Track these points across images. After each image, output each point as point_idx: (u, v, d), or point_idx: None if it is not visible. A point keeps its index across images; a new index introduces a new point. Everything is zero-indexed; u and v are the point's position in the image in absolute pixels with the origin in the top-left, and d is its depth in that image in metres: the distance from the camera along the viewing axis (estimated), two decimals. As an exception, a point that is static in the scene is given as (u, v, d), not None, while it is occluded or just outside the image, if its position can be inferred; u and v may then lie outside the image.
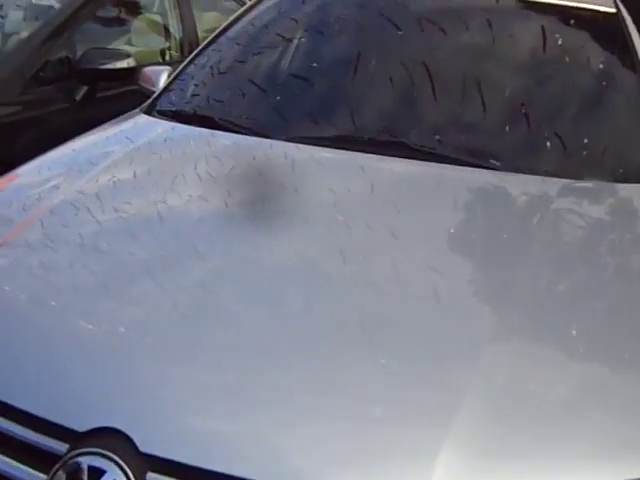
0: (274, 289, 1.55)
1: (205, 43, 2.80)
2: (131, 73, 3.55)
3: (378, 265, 1.65)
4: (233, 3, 5.04)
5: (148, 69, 2.99)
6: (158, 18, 4.29)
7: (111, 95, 3.64)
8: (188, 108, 2.48)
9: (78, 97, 3.47)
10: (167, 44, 4.30)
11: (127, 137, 2.27)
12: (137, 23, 4.17)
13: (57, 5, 3.76)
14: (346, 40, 2.56)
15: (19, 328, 1.44)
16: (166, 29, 4.32)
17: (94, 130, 2.38)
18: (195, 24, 4.43)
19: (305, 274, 1.61)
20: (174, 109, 2.49)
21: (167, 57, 4.27)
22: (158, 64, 4.08)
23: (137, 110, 2.56)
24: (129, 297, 1.53)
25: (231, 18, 2.89)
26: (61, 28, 3.53)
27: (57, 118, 3.41)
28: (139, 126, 2.37)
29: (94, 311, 1.45)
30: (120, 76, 3.52)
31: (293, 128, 2.25)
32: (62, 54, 3.51)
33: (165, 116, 2.45)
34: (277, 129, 2.24)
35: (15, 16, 3.98)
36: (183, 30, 4.33)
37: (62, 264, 1.63)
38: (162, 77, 2.85)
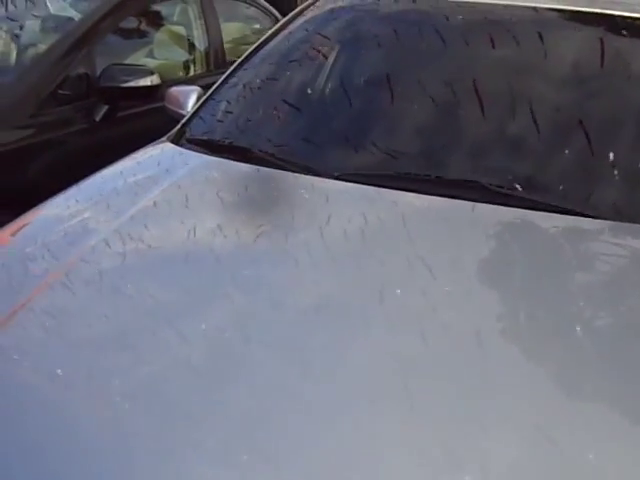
0: (303, 337, 1.38)
1: (239, 62, 2.54)
2: (155, 91, 3.31)
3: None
4: (255, 11, 4.79)
5: (175, 89, 2.74)
6: (182, 29, 4.04)
7: (133, 114, 3.39)
8: (222, 137, 2.21)
9: (98, 117, 3.22)
10: (192, 57, 4.05)
11: (157, 173, 2.02)
12: (160, 35, 3.92)
13: (77, 16, 3.52)
14: (396, 62, 2.29)
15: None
16: (190, 41, 4.07)
17: (120, 162, 2.12)
18: (221, 35, 4.18)
19: (340, 321, 1.42)
20: (206, 138, 2.23)
21: (192, 71, 4.03)
22: (183, 79, 3.86)
23: (164, 138, 2.30)
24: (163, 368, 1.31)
25: (267, 34, 2.63)
26: (81, 41, 3.28)
27: (75, 140, 3.16)
28: (169, 159, 2.11)
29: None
30: (143, 94, 3.27)
31: (347, 165, 1.98)
32: (81, 70, 3.26)
33: (196, 145, 2.20)
34: (329, 165, 1.97)
35: (32, 27, 3.75)
36: (209, 42, 4.08)
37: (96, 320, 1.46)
38: (191, 99, 2.60)
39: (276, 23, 5.14)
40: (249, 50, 2.56)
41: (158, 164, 2.08)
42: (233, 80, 2.43)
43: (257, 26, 4.81)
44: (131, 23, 3.71)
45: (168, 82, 3.59)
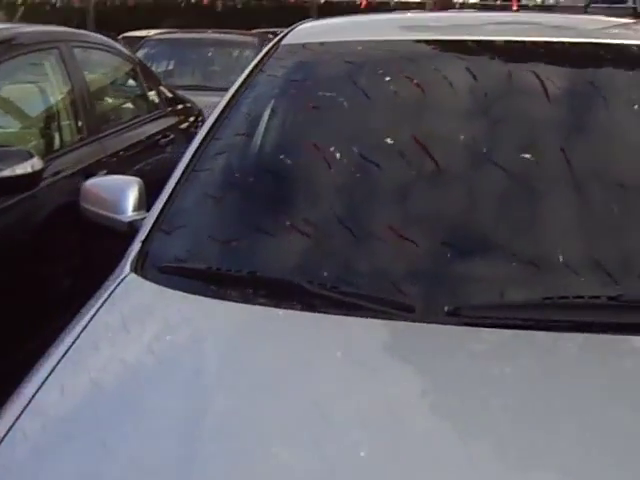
0: None
1: (204, 134, 1.75)
2: (37, 179, 2.43)
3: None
4: (113, 57, 3.93)
5: (95, 183, 1.90)
6: (41, 90, 3.13)
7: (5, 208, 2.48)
8: (225, 263, 1.44)
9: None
10: (57, 122, 3.14)
11: (152, 340, 1.24)
12: (16, 99, 3.00)
13: None
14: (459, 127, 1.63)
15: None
16: (53, 102, 3.17)
17: (84, 321, 1.29)
18: (89, 92, 3.31)
19: None
20: (201, 266, 1.45)
21: (57, 141, 3.11)
22: (55, 151, 2.96)
23: (127, 268, 1.49)
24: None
25: (230, 92, 1.85)
26: None
27: None
28: (159, 311, 1.31)
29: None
30: (21, 185, 2.37)
31: (464, 296, 1.30)
32: None
33: (181, 276, 1.42)
34: (425, 300, 1.29)
35: None
36: (76, 101, 3.20)
37: None
38: (129, 197, 1.78)
39: (136, 66, 4.35)
40: (212, 117, 1.78)
41: (149, 321, 1.28)
42: (209, 164, 1.65)
43: (121, 75, 3.98)
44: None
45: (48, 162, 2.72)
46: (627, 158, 1.59)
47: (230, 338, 1.25)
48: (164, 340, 1.26)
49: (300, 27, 2.16)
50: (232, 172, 1.64)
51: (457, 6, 12.94)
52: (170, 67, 6.68)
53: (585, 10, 12.93)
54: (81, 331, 1.26)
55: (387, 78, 1.75)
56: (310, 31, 2.17)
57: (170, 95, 4.32)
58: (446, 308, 1.26)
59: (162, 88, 4.26)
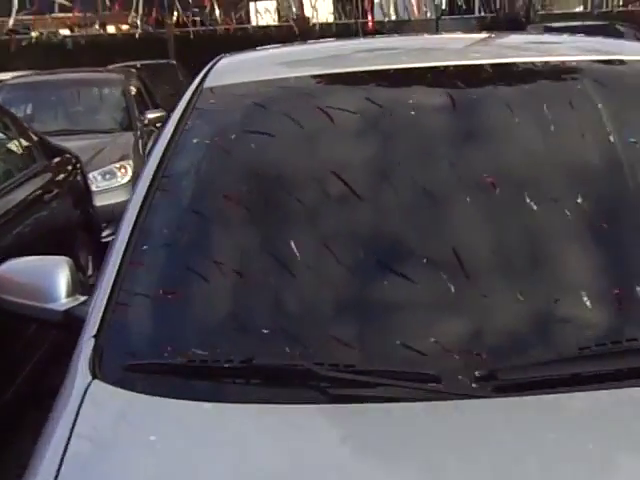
0: None
1: (145, 188, 1.49)
2: None
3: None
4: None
5: (10, 268, 1.58)
6: None
7: None
8: (215, 351, 1.19)
9: None
10: None
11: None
12: None
13: None
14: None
15: None
16: None
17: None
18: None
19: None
20: (175, 359, 1.20)
21: None
22: None
23: (84, 371, 1.22)
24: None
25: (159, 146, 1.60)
26: None
27: None
28: (144, 429, 1.07)
29: None
30: None
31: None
32: None
33: (154, 375, 1.19)
34: (450, 368, 1.13)
35: None
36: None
37: None
38: (61, 279, 1.50)
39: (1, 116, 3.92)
40: (145, 181, 1.53)
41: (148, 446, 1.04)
42: (157, 231, 1.41)
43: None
44: None
45: None
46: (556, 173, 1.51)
47: (245, 455, 1.03)
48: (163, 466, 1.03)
49: (219, 65, 1.96)
50: (189, 240, 1.40)
51: (316, 28, 13.01)
52: (30, 112, 6.21)
53: (437, 22, 13.43)
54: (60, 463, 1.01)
55: (324, 119, 1.59)
56: (230, 69, 1.97)
57: (41, 142, 3.97)
58: (477, 373, 1.11)
59: (33, 136, 3.90)
